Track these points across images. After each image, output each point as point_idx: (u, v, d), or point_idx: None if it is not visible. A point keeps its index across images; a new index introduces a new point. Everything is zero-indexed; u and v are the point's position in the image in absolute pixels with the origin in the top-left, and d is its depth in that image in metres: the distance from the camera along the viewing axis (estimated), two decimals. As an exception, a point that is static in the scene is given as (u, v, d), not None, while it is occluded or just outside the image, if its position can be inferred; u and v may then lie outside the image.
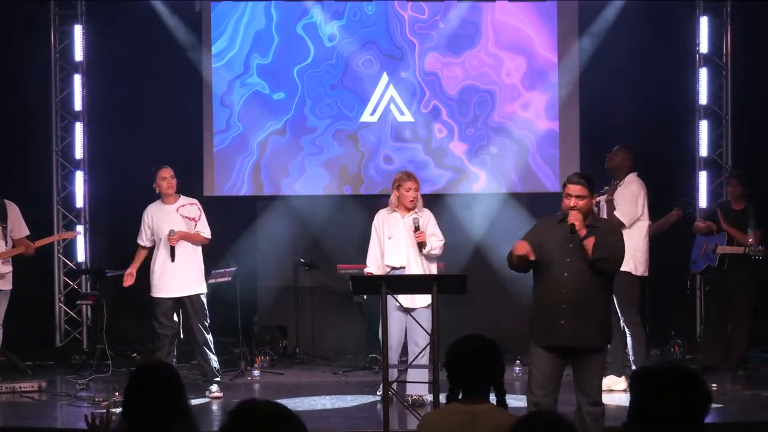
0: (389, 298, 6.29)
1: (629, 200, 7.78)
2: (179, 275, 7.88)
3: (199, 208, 8.07)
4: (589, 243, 5.48)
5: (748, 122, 10.30)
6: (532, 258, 5.53)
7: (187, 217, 7.96)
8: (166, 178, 7.97)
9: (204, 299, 7.97)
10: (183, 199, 8.08)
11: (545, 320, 5.58)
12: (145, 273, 8.07)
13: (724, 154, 10.39)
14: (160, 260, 7.92)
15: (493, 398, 3.81)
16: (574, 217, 5.54)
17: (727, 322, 8.55)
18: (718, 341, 8.60)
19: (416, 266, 7.49)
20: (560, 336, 5.50)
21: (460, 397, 3.75)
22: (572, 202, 5.58)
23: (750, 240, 8.26)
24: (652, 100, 10.20)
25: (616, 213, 7.76)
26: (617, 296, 7.75)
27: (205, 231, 8.01)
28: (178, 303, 7.94)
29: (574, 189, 5.61)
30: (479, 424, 3.60)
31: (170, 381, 3.46)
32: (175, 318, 8.02)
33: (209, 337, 7.93)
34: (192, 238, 7.93)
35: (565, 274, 5.53)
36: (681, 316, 9.70)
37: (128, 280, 8.05)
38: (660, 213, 8.66)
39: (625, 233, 7.70)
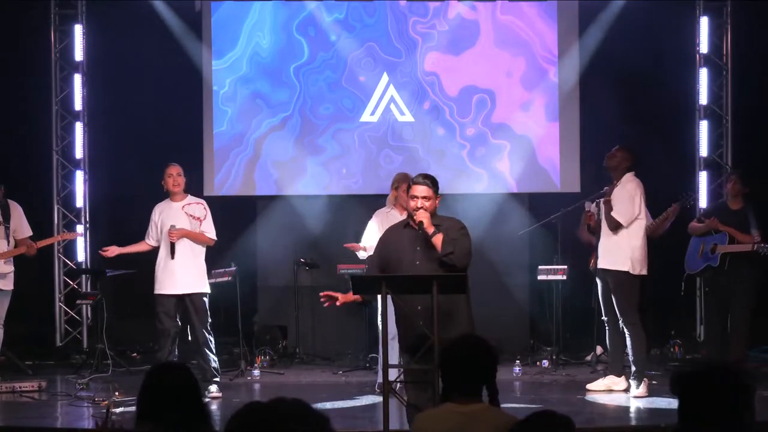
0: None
1: (626, 200, 7.76)
2: (180, 273, 7.87)
3: (205, 208, 8.05)
4: (438, 240, 5.59)
5: (748, 122, 10.30)
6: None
7: (192, 216, 7.95)
8: (172, 175, 7.97)
9: (206, 299, 7.96)
10: (190, 198, 8.10)
11: (405, 323, 5.60)
12: (148, 271, 8.05)
13: (724, 154, 10.39)
14: (162, 257, 7.93)
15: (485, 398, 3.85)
16: (422, 215, 5.63)
17: (726, 321, 8.54)
18: (719, 341, 8.60)
19: None
20: (419, 336, 5.45)
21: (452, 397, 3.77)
22: (419, 203, 5.67)
23: (757, 238, 8.28)
24: (652, 100, 10.21)
25: (613, 213, 7.73)
26: (616, 296, 7.75)
27: (210, 231, 8.00)
28: (180, 301, 7.94)
29: (420, 190, 5.70)
30: (477, 424, 3.60)
31: (188, 381, 3.46)
32: (177, 317, 8.01)
33: (210, 337, 7.92)
34: (196, 238, 7.93)
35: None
36: (681, 316, 9.70)
37: (108, 252, 8.04)
38: (660, 214, 8.66)
39: (623, 232, 7.74)
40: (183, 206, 7.99)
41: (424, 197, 5.66)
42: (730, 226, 8.42)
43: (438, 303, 5.42)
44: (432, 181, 5.76)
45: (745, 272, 8.36)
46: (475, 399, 3.72)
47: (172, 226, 7.83)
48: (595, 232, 8.06)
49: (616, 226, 7.73)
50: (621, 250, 7.73)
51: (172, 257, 7.84)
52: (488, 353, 3.78)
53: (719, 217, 8.52)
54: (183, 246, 7.89)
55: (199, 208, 8.03)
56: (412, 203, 5.69)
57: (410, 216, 5.77)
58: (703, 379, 2.83)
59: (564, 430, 3.03)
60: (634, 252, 7.74)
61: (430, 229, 5.59)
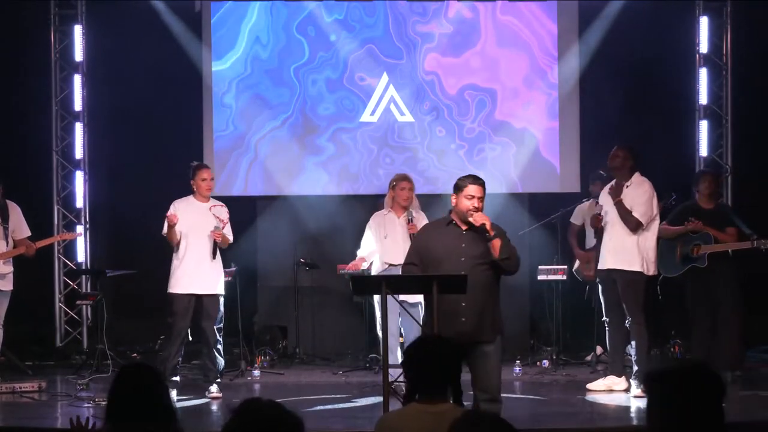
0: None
1: (645, 201, 7.73)
2: (206, 273, 7.85)
3: (227, 212, 8.04)
4: (497, 243, 5.62)
5: (748, 122, 10.30)
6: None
7: (218, 218, 7.93)
8: (206, 180, 7.95)
9: (222, 300, 7.96)
10: (213, 200, 8.08)
11: (444, 319, 5.54)
12: (148, 271, 8.04)
13: (724, 154, 10.39)
14: (191, 256, 7.82)
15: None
16: (483, 218, 5.66)
17: (715, 321, 8.44)
18: (709, 342, 8.55)
19: None
20: (461, 333, 5.47)
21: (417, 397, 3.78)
22: (475, 203, 5.68)
23: (754, 236, 8.23)
24: (652, 100, 10.21)
25: (635, 214, 7.67)
26: (625, 296, 7.72)
27: (230, 234, 8.01)
28: (196, 301, 7.91)
29: (478, 190, 5.72)
30: (447, 424, 3.59)
31: (153, 383, 3.48)
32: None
33: (220, 339, 7.91)
34: (224, 240, 7.95)
35: (462, 273, 5.57)
36: (681, 316, 9.68)
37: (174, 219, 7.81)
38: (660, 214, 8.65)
39: (640, 233, 7.72)
40: (210, 207, 7.98)
41: (480, 198, 5.69)
42: (708, 226, 8.36)
43: (481, 301, 5.59)
44: (483, 183, 5.80)
45: (732, 271, 8.31)
46: (441, 399, 3.73)
47: (217, 227, 7.82)
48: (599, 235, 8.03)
49: (636, 226, 7.69)
50: (635, 251, 7.68)
51: (214, 257, 7.85)
52: (453, 353, 3.79)
53: (693, 218, 8.43)
54: (210, 247, 7.88)
55: (223, 211, 8.00)
56: (469, 203, 5.68)
57: (457, 214, 5.73)
58: (685, 378, 2.79)
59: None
60: (648, 252, 7.73)
61: (492, 232, 5.62)
